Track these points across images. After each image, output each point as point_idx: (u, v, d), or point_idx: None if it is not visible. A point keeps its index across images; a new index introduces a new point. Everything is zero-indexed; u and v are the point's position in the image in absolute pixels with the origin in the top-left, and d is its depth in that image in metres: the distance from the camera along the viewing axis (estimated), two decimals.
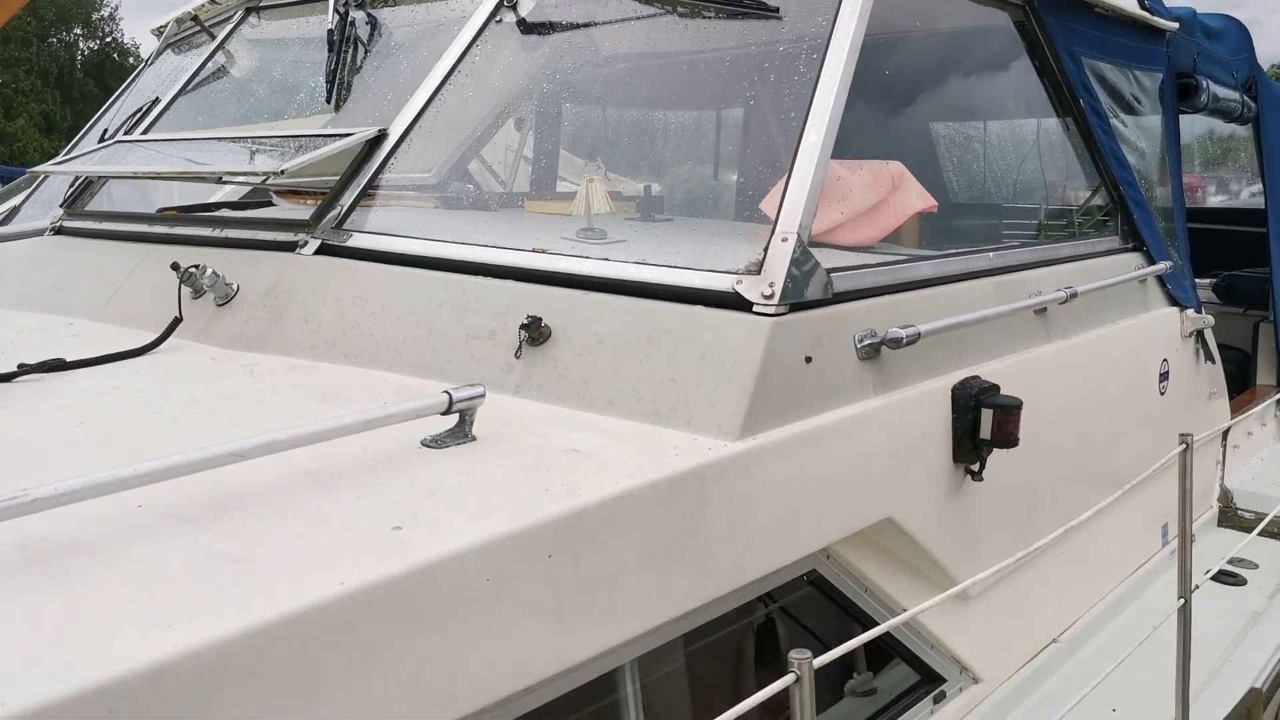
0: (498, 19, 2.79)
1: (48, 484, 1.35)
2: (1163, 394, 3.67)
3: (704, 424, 1.95)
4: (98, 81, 50.07)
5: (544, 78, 3.15)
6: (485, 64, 2.79)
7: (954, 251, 2.72)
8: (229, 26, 3.57)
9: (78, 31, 52.71)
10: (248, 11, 3.57)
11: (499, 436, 1.88)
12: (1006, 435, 2.46)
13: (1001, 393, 2.51)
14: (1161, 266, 3.60)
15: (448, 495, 1.63)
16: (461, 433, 1.86)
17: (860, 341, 2.25)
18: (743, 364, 1.99)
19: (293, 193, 2.94)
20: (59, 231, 3.18)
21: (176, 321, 2.44)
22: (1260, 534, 3.61)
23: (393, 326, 2.31)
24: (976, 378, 2.53)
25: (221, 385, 2.15)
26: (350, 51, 3.14)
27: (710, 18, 2.59)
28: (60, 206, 3.30)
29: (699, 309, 2.10)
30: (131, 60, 50.34)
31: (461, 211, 3.36)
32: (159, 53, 3.89)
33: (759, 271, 2.09)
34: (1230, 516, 4.37)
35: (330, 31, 3.07)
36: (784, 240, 2.12)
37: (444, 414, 1.82)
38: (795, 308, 2.10)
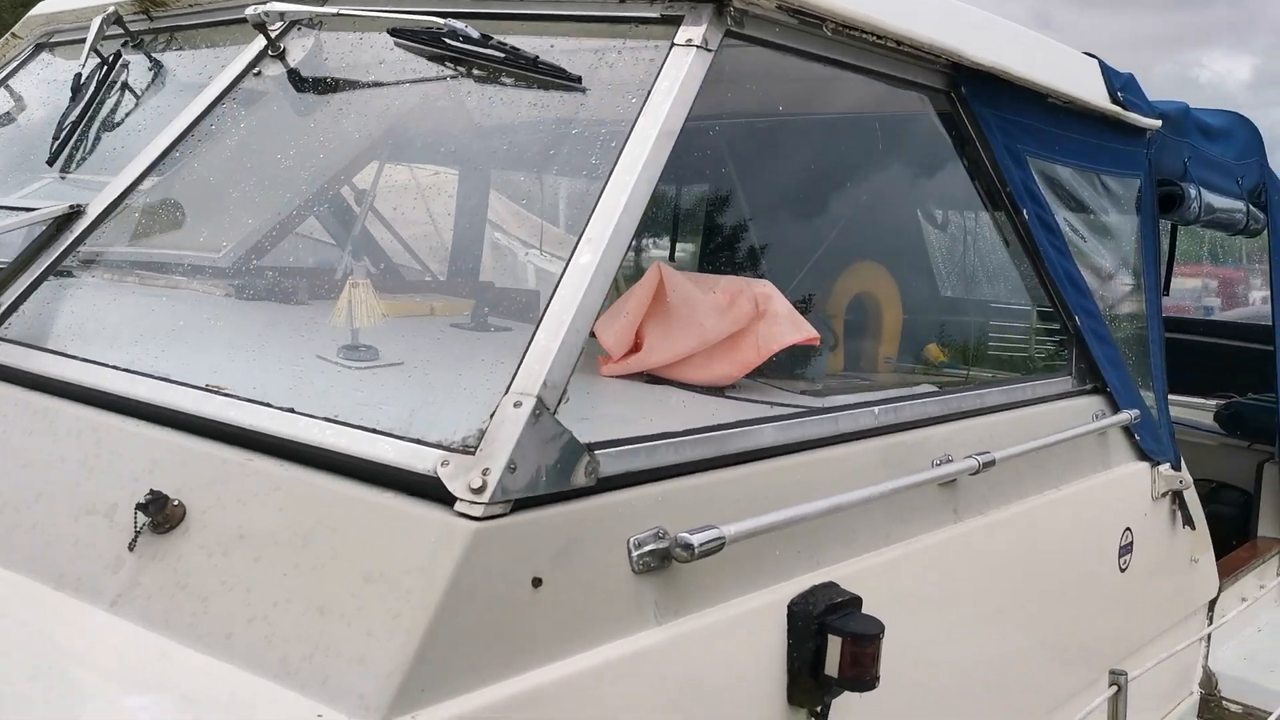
0: (256, 70, 2.17)
1: None
2: (1124, 570, 2.96)
3: (342, 691, 1.28)
4: None
5: (337, 142, 2.53)
6: (234, 125, 2.17)
7: (817, 408, 2.04)
8: (14, 64, 2.99)
9: None
10: (39, 48, 2.98)
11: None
12: (861, 674, 1.76)
13: (863, 610, 1.83)
14: (1125, 416, 2.89)
15: None
16: None
17: (638, 548, 1.57)
18: (418, 595, 1.33)
19: None
20: None
21: None
22: None
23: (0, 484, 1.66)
24: (831, 585, 1.84)
25: None
26: (117, 99, 2.54)
27: (507, 85, 1.96)
28: None
29: (385, 497, 1.44)
30: None
31: (251, 303, 2.72)
32: None
33: (475, 449, 1.44)
34: (1212, 708, 3.61)
35: (78, 75, 2.46)
36: (517, 405, 1.46)
37: None
38: (524, 504, 1.44)
